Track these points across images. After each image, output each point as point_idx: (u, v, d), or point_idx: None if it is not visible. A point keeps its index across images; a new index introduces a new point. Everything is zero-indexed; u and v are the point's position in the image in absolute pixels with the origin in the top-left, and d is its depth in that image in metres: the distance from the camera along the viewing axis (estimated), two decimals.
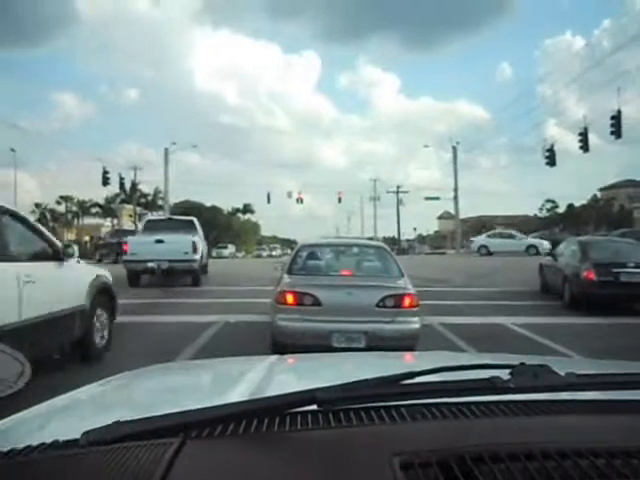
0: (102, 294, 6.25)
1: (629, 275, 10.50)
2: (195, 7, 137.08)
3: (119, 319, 6.96)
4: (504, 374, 0.87)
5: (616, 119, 24.76)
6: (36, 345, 4.55)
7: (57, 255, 5.54)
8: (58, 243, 5.73)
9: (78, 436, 0.81)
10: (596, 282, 10.49)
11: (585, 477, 0.70)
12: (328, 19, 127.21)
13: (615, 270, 10.55)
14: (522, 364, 0.91)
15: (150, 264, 13.90)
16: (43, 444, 0.83)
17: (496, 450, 0.75)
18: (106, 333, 6.30)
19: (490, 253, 29.54)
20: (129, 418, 0.85)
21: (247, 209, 74.46)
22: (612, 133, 25.10)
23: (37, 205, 61.87)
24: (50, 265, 5.42)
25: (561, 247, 13.13)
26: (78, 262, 6.30)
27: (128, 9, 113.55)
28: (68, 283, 5.61)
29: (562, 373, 0.89)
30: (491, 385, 0.85)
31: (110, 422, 0.83)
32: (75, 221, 63.80)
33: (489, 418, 0.91)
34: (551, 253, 13.35)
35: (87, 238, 47.59)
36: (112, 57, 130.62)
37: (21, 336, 4.33)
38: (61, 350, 5.53)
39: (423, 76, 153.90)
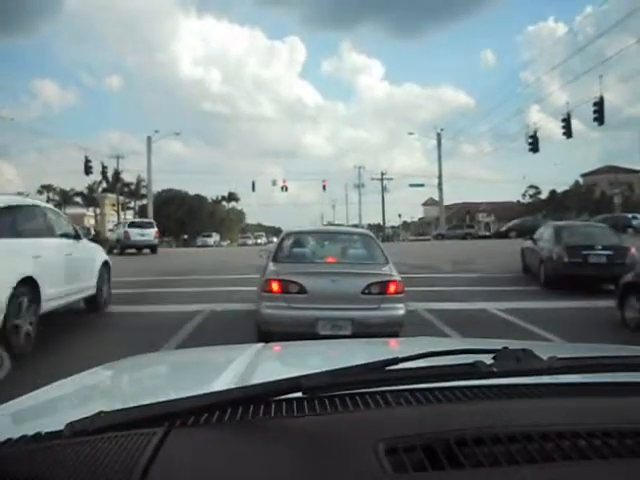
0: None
1: (597, 257, 11.26)
2: None
3: None
4: (487, 359, 0.88)
5: (599, 105, 24.95)
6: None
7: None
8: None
9: (61, 428, 0.81)
10: (567, 263, 11.26)
11: (566, 458, 0.71)
12: (314, 5, 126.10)
13: (584, 252, 11.29)
14: (505, 349, 0.92)
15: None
16: (25, 436, 0.82)
17: (479, 433, 0.76)
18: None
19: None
20: (113, 408, 0.85)
21: (231, 197, 74.02)
22: (595, 119, 25.30)
23: (18, 195, 60.96)
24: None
25: (539, 231, 13.73)
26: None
27: None
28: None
29: (544, 357, 0.91)
30: (475, 370, 0.86)
31: (94, 413, 0.82)
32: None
33: (473, 402, 0.92)
34: (532, 237, 13.99)
35: None
36: (94, 44, 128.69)
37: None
38: None
39: (408, 63, 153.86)
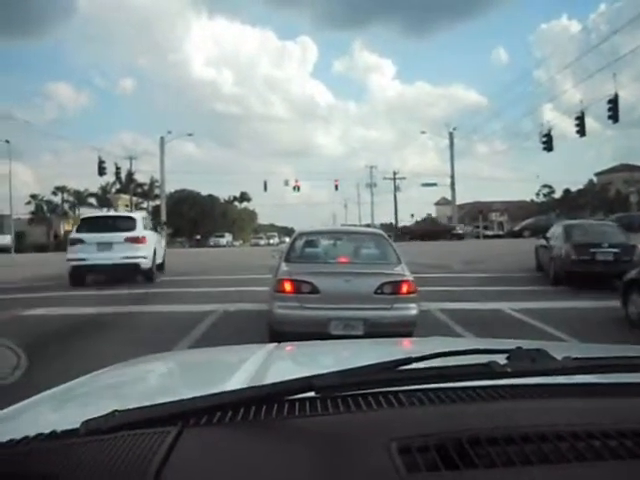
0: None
1: (604, 254, 11.68)
2: None
3: None
4: (501, 359, 0.88)
5: (613, 103, 24.66)
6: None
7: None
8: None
9: (76, 426, 0.82)
10: (575, 260, 11.70)
11: (581, 458, 0.71)
12: (325, 5, 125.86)
13: (592, 250, 11.72)
14: (519, 349, 0.91)
15: None
16: (41, 434, 0.83)
17: (493, 433, 0.75)
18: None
19: None
20: (127, 407, 0.85)
21: (244, 197, 74.13)
22: (610, 117, 25.01)
23: (33, 196, 61.49)
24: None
25: (551, 230, 14.09)
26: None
27: None
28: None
29: (558, 357, 0.90)
30: (488, 370, 0.85)
31: (109, 411, 0.83)
32: (72, 212, 63.41)
33: (486, 402, 0.91)
34: (544, 236, 14.30)
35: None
36: (107, 47, 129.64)
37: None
38: None
39: (419, 61, 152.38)
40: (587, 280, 11.21)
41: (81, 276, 13.08)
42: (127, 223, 13.60)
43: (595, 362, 0.97)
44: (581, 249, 11.78)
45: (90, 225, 13.74)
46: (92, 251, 12.77)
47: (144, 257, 13.14)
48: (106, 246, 12.84)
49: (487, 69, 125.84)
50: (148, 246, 13.50)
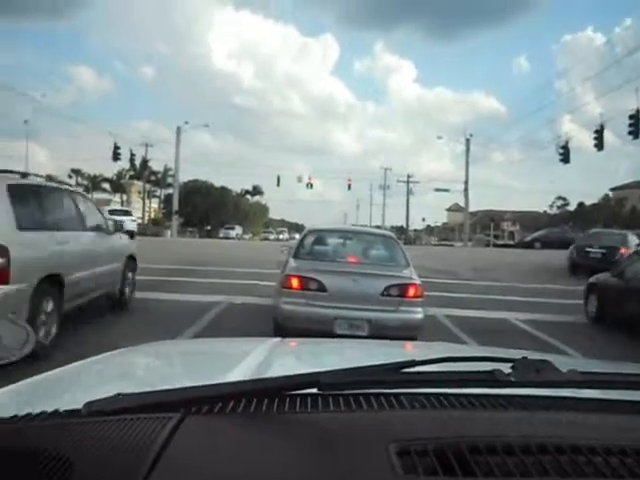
0: None
1: (594, 253, 16.75)
2: None
3: None
4: (506, 368, 0.87)
5: (634, 119, 24.38)
6: None
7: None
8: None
9: (79, 407, 0.82)
10: (576, 257, 17.50)
11: (581, 473, 0.70)
12: (352, 5, 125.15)
13: (586, 250, 17.11)
14: (524, 358, 0.90)
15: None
16: (44, 412, 0.84)
17: (493, 442, 0.75)
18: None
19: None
20: (129, 392, 0.86)
21: (256, 191, 74.04)
22: (630, 133, 24.70)
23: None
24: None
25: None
26: None
27: None
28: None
29: (564, 370, 0.89)
30: (492, 378, 0.85)
31: (111, 395, 0.84)
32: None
33: (488, 410, 0.91)
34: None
35: None
36: (130, 33, 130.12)
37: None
38: None
39: (441, 66, 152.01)
40: (585, 272, 13.94)
41: None
42: (128, 212, 32.77)
43: (600, 377, 0.96)
44: (580, 249, 17.40)
45: (114, 212, 29.09)
46: None
47: (135, 227, 27.90)
48: (120, 222, 24.88)
49: (509, 77, 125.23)
50: (135, 222, 31.60)
